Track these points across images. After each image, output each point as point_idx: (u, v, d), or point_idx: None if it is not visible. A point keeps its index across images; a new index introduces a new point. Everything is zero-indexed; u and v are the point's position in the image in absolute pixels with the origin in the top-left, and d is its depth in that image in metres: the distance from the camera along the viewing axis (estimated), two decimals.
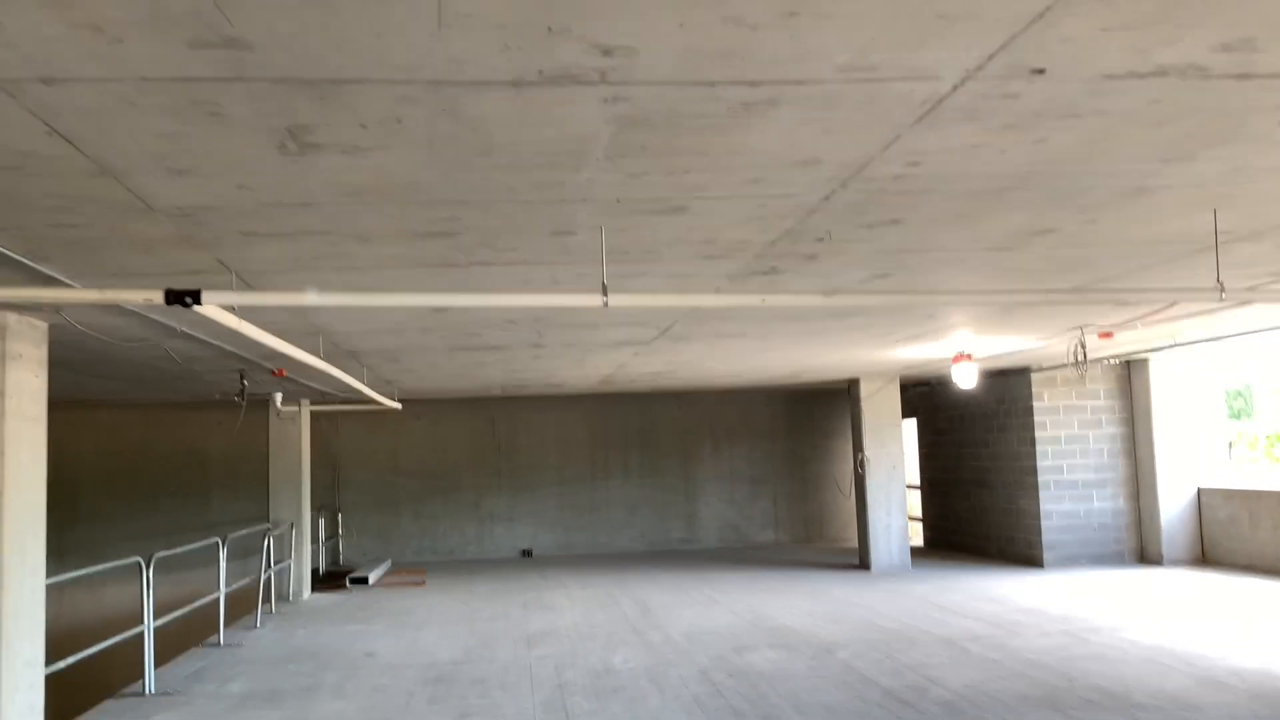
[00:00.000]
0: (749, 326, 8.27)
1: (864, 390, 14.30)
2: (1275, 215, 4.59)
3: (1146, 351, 12.08)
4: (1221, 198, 4.25)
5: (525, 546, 17.65)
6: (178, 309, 3.99)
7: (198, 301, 3.87)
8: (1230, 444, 15.37)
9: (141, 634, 8.19)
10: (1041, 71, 2.74)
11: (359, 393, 10.31)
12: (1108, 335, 9.43)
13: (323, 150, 3.11)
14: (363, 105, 2.76)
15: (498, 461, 17.75)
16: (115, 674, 11.63)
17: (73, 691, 8.66)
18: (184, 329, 6.72)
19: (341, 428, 17.33)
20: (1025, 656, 8.25)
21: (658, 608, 11.39)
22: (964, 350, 10.57)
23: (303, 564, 13.31)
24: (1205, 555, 13.44)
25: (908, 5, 2.30)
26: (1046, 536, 13.71)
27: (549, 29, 2.34)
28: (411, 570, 16.04)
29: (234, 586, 10.60)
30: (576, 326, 7.87)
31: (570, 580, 14.11)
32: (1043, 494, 13.74)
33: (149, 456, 17.03)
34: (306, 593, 13.42)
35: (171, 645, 9.77)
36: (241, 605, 11.64)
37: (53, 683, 6.27)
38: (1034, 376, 13.74)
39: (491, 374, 11.63)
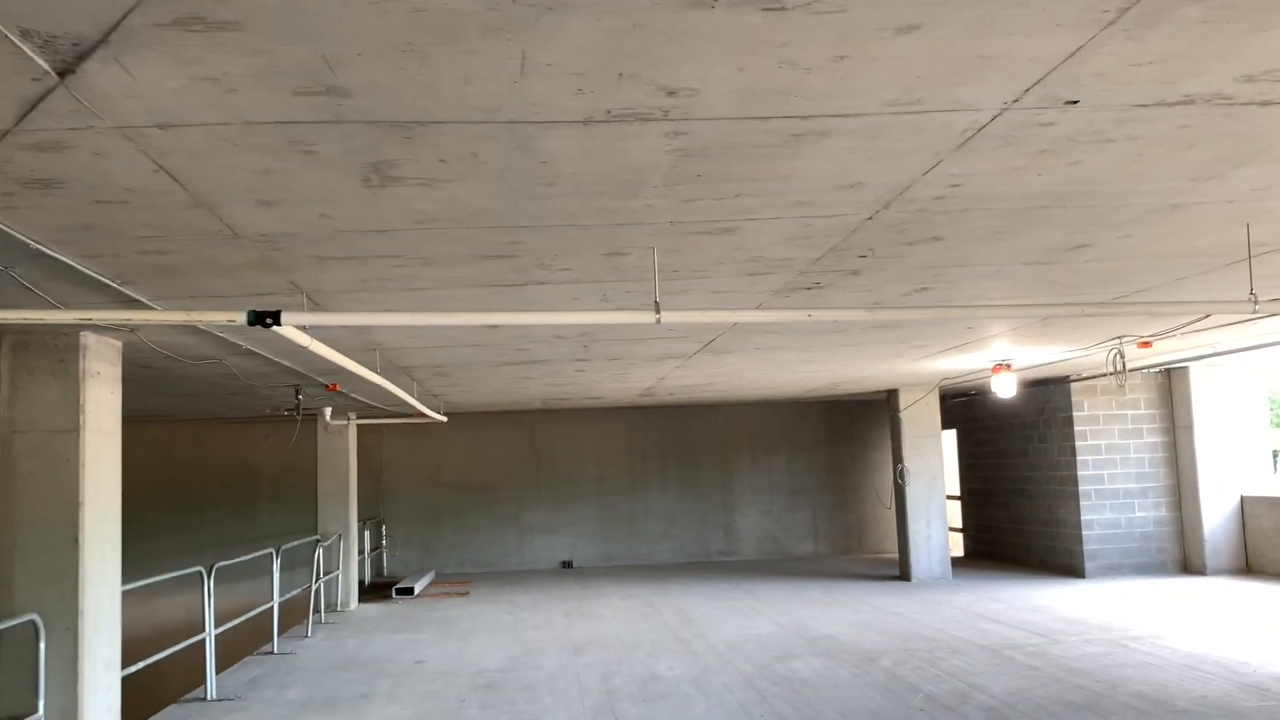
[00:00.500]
0: (790, 339, 8.46)
1: (903, 401, 14.41)
2: None
3: (1186, 360, 12.11)
4: (1254, 213, 4.39)
5: (565, 558, 17.87)
6: (250, 328, 4.25)
7: (278, 322, 4.12)
8: (1274, 452, 15.29)
9: (202, 642, 8.48)
10: (1074, 102, 2.93)
11: (408, 406, 10.60)
12: (1146, 345, 9.51)
13: (402, 182, 3.35)
14: (444, 143, 3.00)
15: (538, 473, 18.01)
16: (166, 682, 11.98)
17: (129, 697, 8.98)
18: (249, 346, 7.02)
19: (386, 441, 17.67)
20: (1067, 664, 8.34)
21: (700, 617, 11.55)
22: (1003, 360, 10.68)
23: (350, 575, 13.61)
24: (1249, 564, 13.40)
25: (949, 48, 2.50)
26: (1088, 546, 13.72)
27: (620, 75, 2.56)
28: (454, 581, 16.31)
29: (285, 596, 10.91)
30: (622, 341, 8.09)
31: (611, 591, 14.31)
32: (1083, 503, 13.76)
33: (198, 470, 17.45)
34: (354, 603, 13.71)
35: (224, 654, 10.09)
36: (290, 615, 11.94)
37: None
38: (1074, 386, 13.79)
39: (535, 387, 11.89)
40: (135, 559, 16.16)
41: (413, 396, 9.67)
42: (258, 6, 2.13)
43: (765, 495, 18.28)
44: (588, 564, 17.88)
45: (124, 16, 2.16)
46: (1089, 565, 13.68)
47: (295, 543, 12.26)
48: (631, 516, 18.03)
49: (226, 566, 9.53)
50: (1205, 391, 13.58)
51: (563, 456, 18.05)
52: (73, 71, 2.43)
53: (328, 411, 12.79)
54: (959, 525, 17.61)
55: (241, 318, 4.15)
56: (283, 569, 11.84)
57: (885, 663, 8.66)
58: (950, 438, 17.68)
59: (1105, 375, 12.68)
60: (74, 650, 5.75)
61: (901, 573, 14.55)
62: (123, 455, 6.42)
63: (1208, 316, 6.58)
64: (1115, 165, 3.58)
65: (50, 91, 2.54)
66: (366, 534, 16.43)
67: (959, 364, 11.08)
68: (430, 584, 15.92)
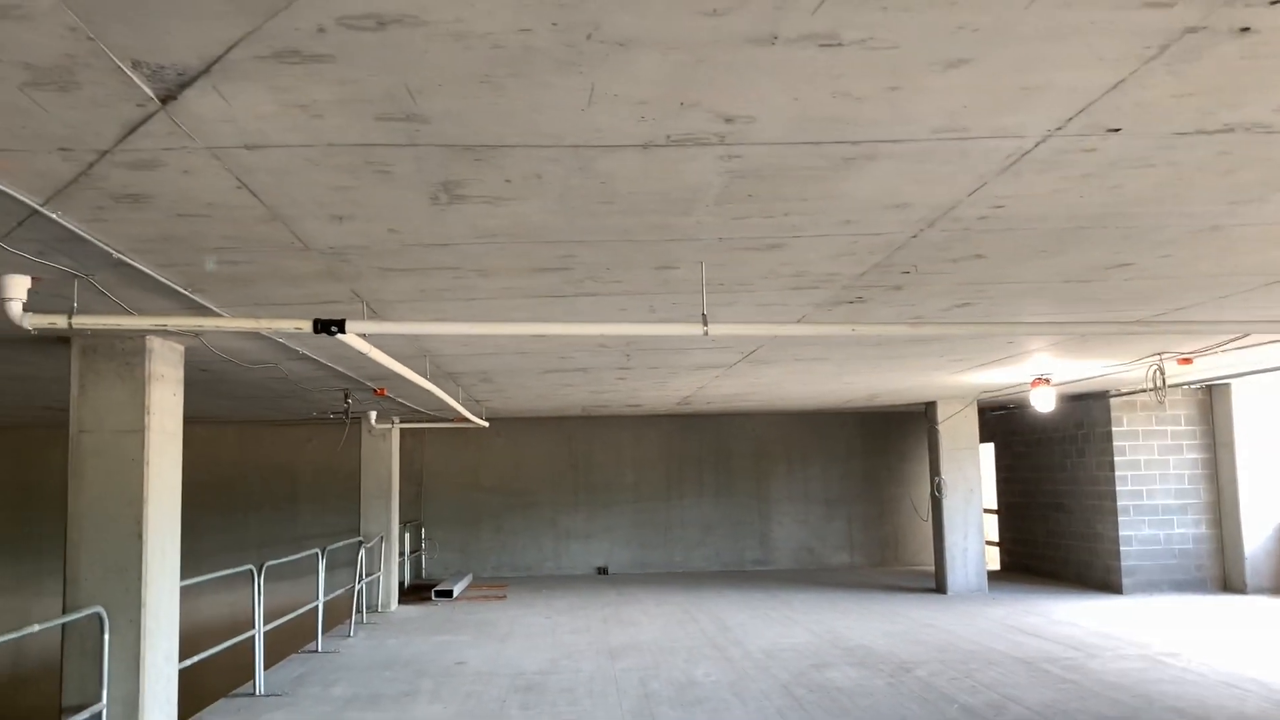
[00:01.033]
0: (830, 351, 8.57)
1: (941, 413, 14.44)
2: None
3: (1228, 377, 12.06)
4: None
5: (600, 564, 18.03)
6: (313, 335, 4.45)
7: (342, 330, 4.31)
8: None
9: (252, 638, 8.72)
10: (1117, 130, 3.04)
11: (453, 411, 10.80)
12: (1187, 361, 9.52)
13: (468, 200, 3.53)
14: (510, 165, 3.16)
15: (575, 479, 18.19)
16: (209, 677, 12.26)
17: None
18: (305, 351, 7.25)
19: (427, 445, 17.94)
20: (1103, 678, 8.37)
21: (735, 625, 11.66)
22: (1042, 374, 10.71)
23: (391, 576, 13.85)
24: None
25: (996, 80, 2.63)
26: (1126, 562, 13.67)
27: (681, 103, 2.72)
28: (492, 584, 16.52)
29: (329, 596, 11.15)
30: (664, 351, 8.25)
31: (647, 597, 14.44)
32: (1121, 519, 13.71)
33: (242, 471, 17.80)
34: (394, 604, 13.94)
35: (268, 652, 10.33)
36: (330, 615, 12.18)
37: None
38: (1113, 401, 13.76)
39: (576, 394, 12.06)
40: (181, 556, 16.54)
41: (458, 402, 9.88)
42: (351, 42, 2.31)
43: (801, 505, 18.33)
44: (623, 570, 18.03)
45: (227, 50, 2.35)
46: (1127, 581, 13.63)
47: (340, 544, 12.52)
48: (667, 524, 18.16)
49: (271, 566, 9.78)
50: (1247, 408, 13.49)
51: (600, 463, 18.22)
52: (174, 98, 2.62)
53: (373, 415, 13.05)
54: (995, 538, 17.57)
55: (307, 325, 4.35)
56: (325, 570, 12.11)
57: (921, 673, 8.73)
58: (988, 451, 17.65)
59: (1145, 391, 12.66)
60: (136, 642, 5.97)
61: (937, 585, 14.56)
62: None
63: (1246, 335, 6.61)
64: (1156, 189, 3.68)
65: (151, 116, 2.73)
66: (406, 536, 16.68)
67: (998, 378, 11.12)
68: (468, 587, 16.13)
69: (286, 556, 10.59)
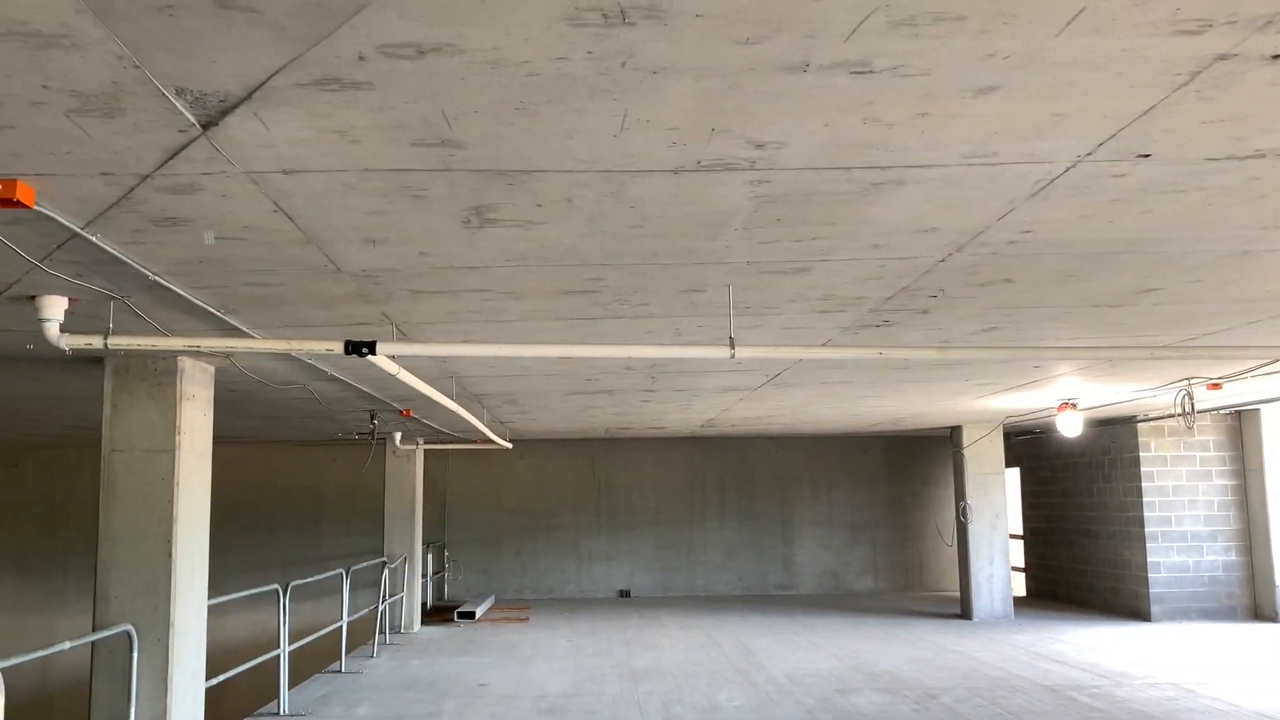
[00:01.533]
0: (856, 374, 8.56)
1: (967, 438, 14.36)
2: None
3: (1257, 402, 11.94)
4: None
5: (623, 587, 17.98)
6: (340, 355, 4.49)
7: (373, 352, 4.36)
8: None
9: (276, 658, 8.75)
10: (1146, 156, 3.05)
11: (478, 433, 10.85)
12: (1216, 386, 9.44)
13: (499, 224, 3.57)
14: (542, 189, 3.20)
15: (597, 502, 18.18)
16: (231, 697, 12.29)
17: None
18: (334, 373, 7.31)
19: (451, 466, 18.00)
20: (1132, 707, 8.27)
21: (759, 650, 11.60)
22: (1069, 399, 10.65)
23: (414, 597, 13.87)
24: None
25: (1026, 106, 2.65)
26: (1154, 589, 13.51)
27: (712, 129, 2.75)
28: (514, 606, 16.51)
29: (353, 616, 11.18)
30: (689, 373, 8.26)
31: (669, 621, 14.39)
32: (1149, 545, 13.56)
33: (266, 491, 17.90)
34: (417, 625, 13.96)
35: (291, 671, 10.36)
36: (352, 636, 12.21)
37: None
38: (1140, 426, 13.64)
39: (600, 416, 12.09)
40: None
41: (482, 423, 9.92)
42: (390, 70, 2.35)
43: (824, 529, 18.24)
44: (645, 593, 17.97)
45: (269, 77, 2.40)
46: (1155, 609, 13.46)
47: (364, 564, 12.56)
48: (690, 547, 18.11)
49: (295, 586, 9.82)
50: (1277, 433, 13.34)
51: (622, 485, 18.21)
52: (215, 124, 2.68)
53: (398, 436, 13.11)
54: (1021, 564, 17.41)
55: (338, 347, 4.39)
56: (349, 590, 12.15)
57: (946, 700, 8.65)
58: (1014, 475, 17.52)
59: (1173, 416, 12.54)
60: (164, 660, 6.01)
61: (963, 611, 14.43)
62: None
63: (1276, 361, 6.56)
64: (1186, 214, 3.68)
65: (192, 141, 2.79)
66: (429, 557, 16.72)
67: (1024, 402, 11.06)
68: (490, 608, 16.13)
69: (309, 576, 10.64)
